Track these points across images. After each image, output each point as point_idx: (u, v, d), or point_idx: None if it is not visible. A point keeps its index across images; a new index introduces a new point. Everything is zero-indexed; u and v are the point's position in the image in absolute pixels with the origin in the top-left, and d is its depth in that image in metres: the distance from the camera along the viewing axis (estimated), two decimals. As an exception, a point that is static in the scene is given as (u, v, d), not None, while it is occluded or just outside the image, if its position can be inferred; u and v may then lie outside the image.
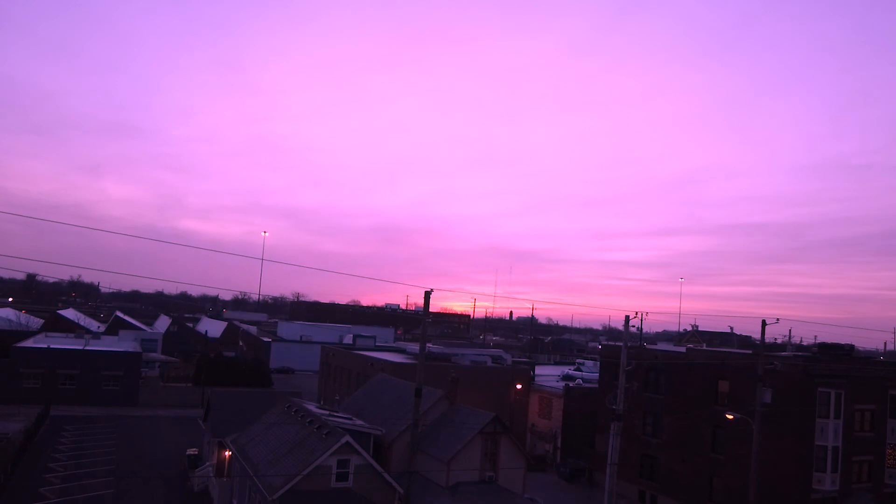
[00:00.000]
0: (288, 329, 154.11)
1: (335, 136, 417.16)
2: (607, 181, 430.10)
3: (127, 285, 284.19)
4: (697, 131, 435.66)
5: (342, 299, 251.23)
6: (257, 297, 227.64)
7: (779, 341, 76.58)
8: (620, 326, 49.93)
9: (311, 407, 41.41)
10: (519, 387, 64.13)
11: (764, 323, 36.92)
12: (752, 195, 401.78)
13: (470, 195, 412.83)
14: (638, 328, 44.38)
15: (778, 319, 36.70)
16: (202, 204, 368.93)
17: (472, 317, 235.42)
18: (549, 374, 79.20)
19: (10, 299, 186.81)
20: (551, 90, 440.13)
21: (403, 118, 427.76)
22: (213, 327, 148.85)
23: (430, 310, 30.66)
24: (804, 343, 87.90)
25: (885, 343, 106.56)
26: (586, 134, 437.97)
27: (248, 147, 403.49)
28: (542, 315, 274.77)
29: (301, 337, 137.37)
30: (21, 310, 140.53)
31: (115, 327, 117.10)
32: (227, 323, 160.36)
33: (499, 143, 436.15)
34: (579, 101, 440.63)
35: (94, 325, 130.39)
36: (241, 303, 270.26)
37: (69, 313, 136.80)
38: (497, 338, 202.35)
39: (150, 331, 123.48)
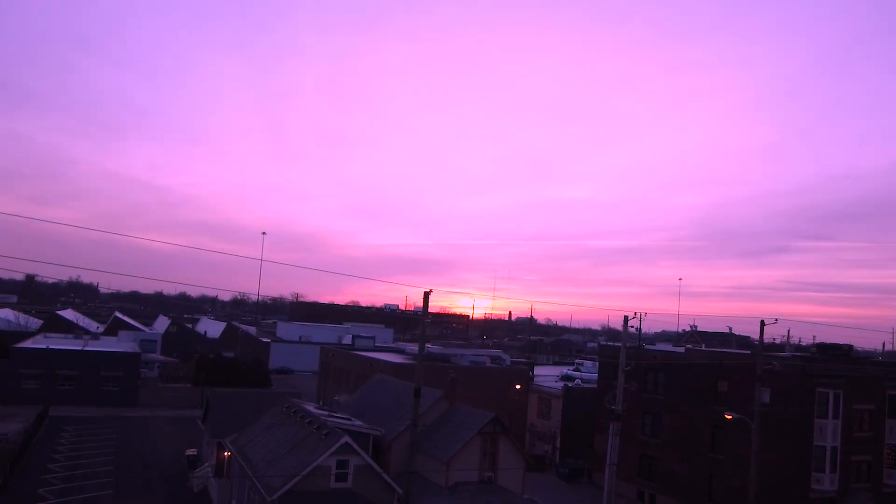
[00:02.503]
0: (287, 330, 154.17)
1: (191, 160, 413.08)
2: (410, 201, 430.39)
3: (126, 286, 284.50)
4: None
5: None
6: (256, 297, 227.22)
7: (777, 341, 76.62)
8: (619, 327, 49.97)
9: (310, 407, 41.44)
10: (518, 387, 64.17)
11: (763, 323, 36.96)
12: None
13: (329, 215, 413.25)
14: (637, 329, 44.37)
15: (777, 319, 36.75)
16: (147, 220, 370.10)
17: (471, 318, 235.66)
18: (548, 374, 79.28)
19: (15, 299, 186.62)
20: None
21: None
22: (212, 328, 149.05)
23: (430, 310, 30.68)
24: (803, 343, 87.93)
25: (884, 343, 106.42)
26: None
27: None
28: (539, 315, 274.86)
29: (300, 337, 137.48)
30: (20, 310, 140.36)
31: (114, 328, 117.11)
32: (226, 323, 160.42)
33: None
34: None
35: (93, 325, 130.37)
36: (240, 303, 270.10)
37: (68, 314, 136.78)
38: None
39: (149, 331, 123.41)
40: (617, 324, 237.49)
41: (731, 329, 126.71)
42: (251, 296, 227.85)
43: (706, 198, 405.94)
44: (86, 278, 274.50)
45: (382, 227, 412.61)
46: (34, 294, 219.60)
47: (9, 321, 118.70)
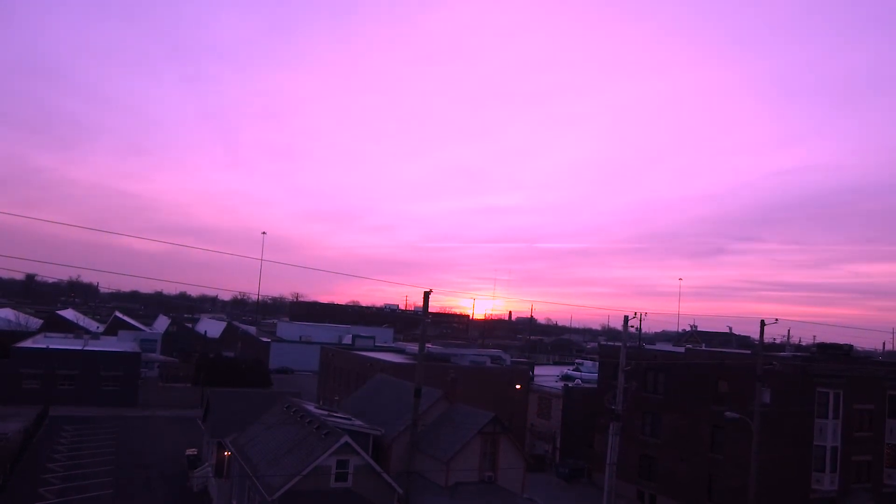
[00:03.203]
0: (287, 329, 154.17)
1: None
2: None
3: (126, 285, 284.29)
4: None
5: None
6: (256, 297, 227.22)
7: (778, 341, 76.60)
8: (619, 326, 49.94)
9: (311, 407, 41.44)
10: (518, 387, 64.16)
11: (763, 323, 36.94)
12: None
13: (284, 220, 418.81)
14: (637, 328, 44.35)
15: (777, 320, 36.74)
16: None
17: (471, 318, 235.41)
18: (548, 374, 79.27)
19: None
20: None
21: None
22: (212, 327, 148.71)
23: (430, 310, 30.65)
24: (803, 343, 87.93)
25: (884, 343, 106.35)
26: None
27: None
28: (539, 315, 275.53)
29: (300, 337, 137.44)
30: (20, 311, 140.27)
31: (114, 327, 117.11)
32: (226, 323, 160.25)
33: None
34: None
35: (93, 325, 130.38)
36: (240, 303, 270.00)
37: (68, 314, 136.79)
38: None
39: (149, 331, 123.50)
40: (617, 323, 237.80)
41: (731, 329, 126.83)
42: (251, 296, 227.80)
43: (630, 203, 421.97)
44: (86, 278, 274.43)
45: (343, 231, 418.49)
46: (35, 294, 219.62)
47: (9, 321, 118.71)
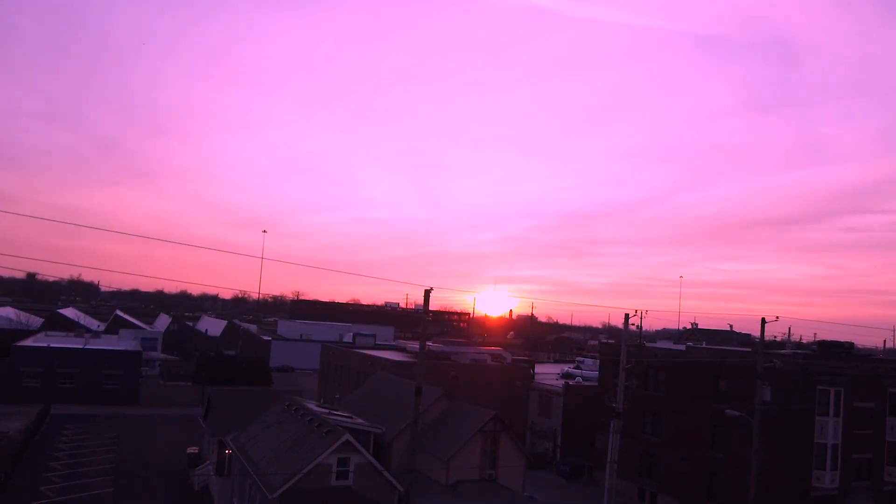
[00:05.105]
0: (288, 328, 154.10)
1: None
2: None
3: (127, 284, 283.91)
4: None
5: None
6: (257, 295, 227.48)
7: (778, 339, 76.64)
8: (620, 325, 49.95)
9: (311, 405, 41.48)
10: (518, 385, 64.18)
11: (763, 321, 36.94)
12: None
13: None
14: (638, 326, 44.28)
15: (777, 318, 36.75)
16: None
17: (471, 315, 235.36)
18: (548, 372, 79.28)
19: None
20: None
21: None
22: (213, 326, 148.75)
23: (430, 308, 30.65)
24: (804, 341, 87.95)
25: (885, 341, 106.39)
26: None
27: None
28: (540, 313, 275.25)
29: (301, 335, 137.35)
30: (21, 309, 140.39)
31: (115, 326, 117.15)
32: (226, 321, 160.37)
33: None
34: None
35: (94, 323, 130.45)
36: (240, 301, 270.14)
37: (69, 312, 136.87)
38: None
39: (150, 329, 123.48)
40: (618, 321, 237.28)
41: (731, 327, 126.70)
42: (252, 294, 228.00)
43: (463, 208, 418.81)
44: (87, 277, 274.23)
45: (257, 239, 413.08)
46: (35, 293, 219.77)
47: (10, 319, 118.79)
